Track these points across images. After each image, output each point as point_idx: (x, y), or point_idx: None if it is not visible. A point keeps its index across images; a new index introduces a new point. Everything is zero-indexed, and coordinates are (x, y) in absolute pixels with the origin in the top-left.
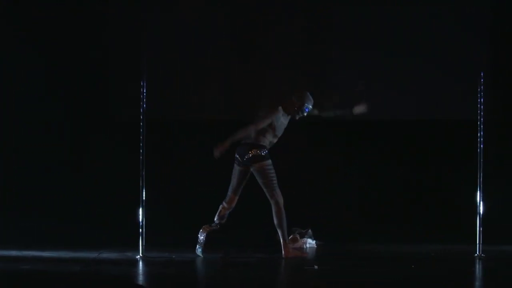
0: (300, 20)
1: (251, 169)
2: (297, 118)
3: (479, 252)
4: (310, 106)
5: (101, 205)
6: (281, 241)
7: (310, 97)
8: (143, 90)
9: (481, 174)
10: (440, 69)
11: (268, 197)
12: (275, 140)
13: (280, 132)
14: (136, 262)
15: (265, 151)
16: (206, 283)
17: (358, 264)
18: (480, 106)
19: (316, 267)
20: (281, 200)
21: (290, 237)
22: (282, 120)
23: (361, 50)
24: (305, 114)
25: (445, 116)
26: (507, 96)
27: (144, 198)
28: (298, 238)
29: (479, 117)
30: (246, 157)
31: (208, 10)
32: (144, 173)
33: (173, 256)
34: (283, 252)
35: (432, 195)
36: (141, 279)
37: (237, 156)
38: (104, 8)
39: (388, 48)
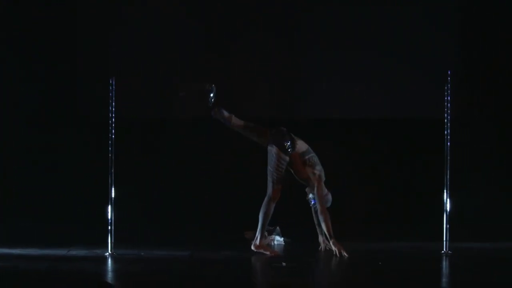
0: (271, 22)
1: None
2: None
3: (446, 249)
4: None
5: (70, 203)
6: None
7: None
8: (112, 88)
9: (448, 172)
10: (409, 67)
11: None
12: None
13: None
14: (104, 259)
15: (290, 146)
16: (174, 280)
17: (325, 261)
18: (447, 104)
19: (284, 264)
20: (272, 195)
21: None
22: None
23: (331, 49)
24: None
25: (413, 114)
26: (474, 94)
27: (113, 195)
28: (266, 235)
29: (446, 116)
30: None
31: (178, 9)
32: (113, 171)
33: (142, 253)
34: (253, 243)
35: (400, 193)
36: (109, 276)
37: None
38: (73, 5)
39: (356, 47)
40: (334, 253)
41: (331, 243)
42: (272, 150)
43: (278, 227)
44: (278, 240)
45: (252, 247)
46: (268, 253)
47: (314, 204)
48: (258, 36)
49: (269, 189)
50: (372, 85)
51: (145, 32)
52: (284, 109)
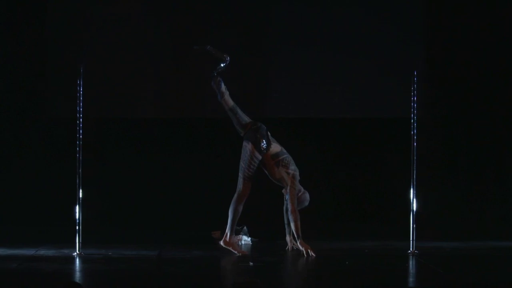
0: (236, 23)
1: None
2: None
3: (412, 249)
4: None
5: (37, 203)
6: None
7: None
8: (80, 88)
9: (415, 171)
10: (374, 67)
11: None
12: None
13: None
14: (72, 259)
15: (265, 145)
16: (142, 279)
17: (292, 260)
18: (413, 104)
19: (251, 263)
20: (242, 191)
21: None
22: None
23: (299, 49)
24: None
25: (379, 114)
26: (440, 93)
27: (80, 195)
28: (234, 234)
29: (412, 115)
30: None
31: (147, 8)
32: (80, 170)
33: (110, 253)
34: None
35: (367, 192)
36: (77, 276)
37: None
38: (43, 3)
39: (322, 46)
40: (302, 253)
41: (298, 243)
42: (247, 146)
43: (245, 227)
44: (246, 240)
45: (221, 243)
46: (236, 252)
47: None
48: (226, 35)
49: (239, 185)
50: (339, 85)
51: (114, 31)
52: (252, 108)
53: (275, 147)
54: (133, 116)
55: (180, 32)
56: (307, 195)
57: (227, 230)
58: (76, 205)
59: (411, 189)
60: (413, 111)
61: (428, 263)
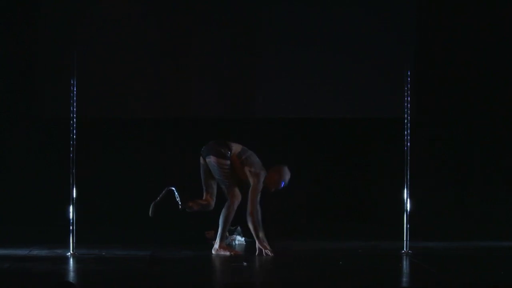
0: (226, 23)
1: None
2: (272, 190)
3: (406, 249)
4: (287, 181)
5: (31, 203)
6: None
7: (288, 172)
8: (73, 88)
9: (408, 172)
10: (368, 67)
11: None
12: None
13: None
14: (66, 259)
15: (228, 153)
16: (135, 279)
17: (287, 261)
18: (407, 104)
19: (245, 264)
20: (230, 200)
21: None
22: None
23: (289, 49)
24: (281, 187)
25: (372, 114)
26: (434, 94)
27: (74, 195)
28: (227, 234)
29: (405, 116)
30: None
31: (136, 9)
32: (74, 170)
33: (103, 253)
34: (213, 248)
35: (361, 192)
36: (71, 275)
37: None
38: (35, 3)
39: (314, 46)
40: (257, 252)
41: (257, 242)
42: (211, 160)
43: (239, 227)
44: (239, 240)
45: (212, 251)
46: (228, 253)
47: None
48: (221, 34)
49: (227, 196)
50: (332, 84)
51: (106, 31)
52: (238, 108)
53: (236, 147)
54: (127, 116)
55: (174, 32)
56: (286, 178)
57: (217, 238)
58: (69, 205)
59: (405, 189)
60: (407, 111)
61: (421, 263)
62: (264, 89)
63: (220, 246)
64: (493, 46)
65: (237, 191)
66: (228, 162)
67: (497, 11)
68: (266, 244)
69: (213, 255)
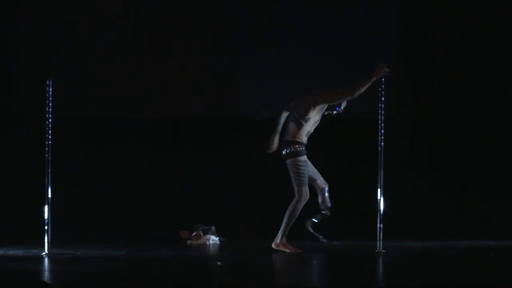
0: (206, 24)
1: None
2: (325, 113)
3: (379, 248)
4: (342, 108)
5: (6, 203)
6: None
7: (345, 102)
8: (49, 88)
9: (382, 172)
10: (350, 67)
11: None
12: (309, 134)
13: (313, 127)
14: (41, 259)
15: (300, 147)
16: (110, 279)
17: (260, 260)
18: (381, 105)
19: (219, 263)
20: (301, 198)
21: (193, 234)
22: (317, 115)
23: (265, 49)
24: (333, 113)
25: (348, 114)
26: (408, 95)
27: (49, 195)
28: (202, 234)
29: (380, 116)
30: (283, 153)
31: (115, 10)
32: (50, 170)
33: (79, 253)
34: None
35: (336, 191)
36: (46, 275)
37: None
38: (13, 5)
39: (291, 46)
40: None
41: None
42: (288, 162)
43: (213, 227)
44: (214, 239)
45: (273, 245)
46: (287, 250)
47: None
48: (193, 36)
49: (297, 194)
50: (308, 84)
51: (83, 32)
52: (219, 109)
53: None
54: (103, 116)
55: (156, 32)
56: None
57: (280, 233)
58: (45, 205)
59: (378, 189)
60: (381, 111)
61: (394, 262)
62: (246, 89)
63: (281, 242)
64: (473, 45)
65: (306, 190)
66: (304, 159)
67: (479, 10)
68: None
69: (188, 255)
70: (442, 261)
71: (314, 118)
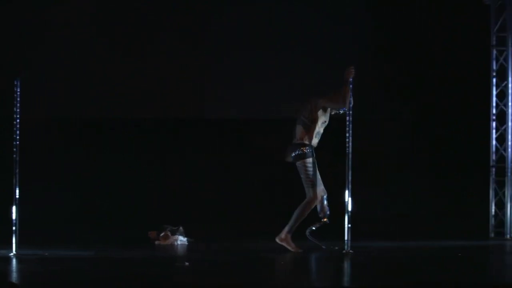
0: (180, 24)
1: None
2: (332, 113)
3: (347, 248)
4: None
5: None
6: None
7: (351, 102)
8: (17, 89)
9: (350, 172)
10: (323, 68)
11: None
12: (320, 136)
13: (327, 118)
14: (9, 259)
15: (308, 149)
16: (76, 279)
17: (228, 261)
18: (350, 105)
19: (187, 263)
20: (313, 199)
21: (161, 234)
22: (328, 115)
23: (240, 50)
24: (340, 112)
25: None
26: (374, 95)
27: (17, 196)
28: (170, 235)
29: (348, 117)
30: (292, 156)
31: (86, 10)
32: (18, 171)
33: (46, 254)
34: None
35: (302, 192)
36: (14, 276)
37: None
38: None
39: (264, 48)
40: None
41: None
42: (298, 164)
43: (181, 227)
44: (182, 240)
45: (276, 239)
46: (290, 248)
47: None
48: (167, 37)
49: (308, 194)
50: (281, 85)
51: (53, 33)
52: (192, 109)
53: (302, 130)
54: (71, 116)
55: (127, 33)
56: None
57: (286, 228)
58: (12, 205)
59: (346, 190)
60: (349, 112)
61: (362, 262)
62: (216, 90)
63: (285, 237)
64: (440, 48)
65: (318, 190)
66: (311, 159)
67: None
68: None
69: (157, 256)
70: (409, 261)
71: (320, 119)
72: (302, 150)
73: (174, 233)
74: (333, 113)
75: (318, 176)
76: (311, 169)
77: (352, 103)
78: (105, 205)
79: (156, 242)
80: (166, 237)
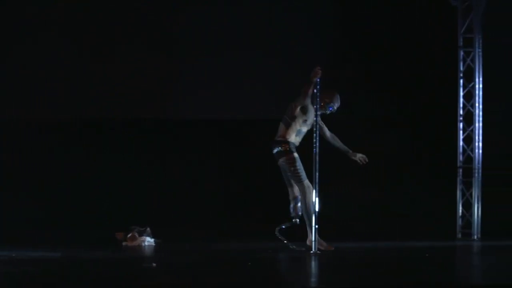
0: (146, 26)
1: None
2: (319, 113)
3: (315, 249)
4: (335, 108)
5: None
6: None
7: (339, 100)
8: None
9: (317, 173)
10: (281, 69)
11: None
12: (302, 134)
13: (310, 120)
14: None
15: (288, 146)
16: (45, 280)
17: (196, 262)
18: (316, 106)
19: (154, 264)
20: (306, 193)
21: (129, 235)
22: (311, 112)
23: (206, 52)
24: (327, 112)
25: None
26: (346, 96)
27: None
28: (137, 236)
29: (315, 118)
30: (274, 152)
31: (52, 13)
32: None
33: (13, 254)
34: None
35: (271, 192)
36: None
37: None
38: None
39: (231, 49)
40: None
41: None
42: (282, 161)
43: (148, 228)
44: (149, 241)
45: (308, 243)
46: (321, 247)
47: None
48: (132, 38)
49: (301, 188)
50: (249, 86)
51: (15, 33)
52: (159, 110)
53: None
54: (31, 117)
55: (95, 34)
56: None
57: (309, 232)
58: None
59: (314, 190)
60: (316, 113)
61: (329, 262)
62: (181, 91)
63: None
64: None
65: (308, 183)
66: (294, 154)
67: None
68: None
69: (123, 257)
70: (375, 262)
71: (300, 117)
72: (284, 147)
73: (141, 234)
74: (320, 113)
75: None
76: (295, 164)
77: (338, 105)
78: (71, 205)
79: (123, 243)
80: (133, 238)
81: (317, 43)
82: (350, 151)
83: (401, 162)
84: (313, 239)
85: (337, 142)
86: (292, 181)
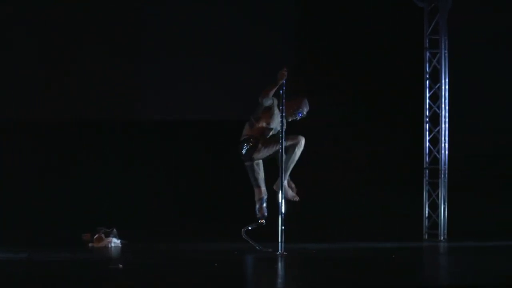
0: (113, 27)
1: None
2: (289, 120)
3: (281, 250)
4: (304, 113)
5: None
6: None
7: (307, 105)
8: None
9: (283, 175)
10: (248, 69)
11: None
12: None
13: (274, 125)
14: None
15: (255, 139)
16: (11, 282)
17: (162, 263)
18: (282, 107)
19: (120, 266)
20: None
21: (95, 236)
22: (277, 116)
23: (173, 53)
24: (297, 118)
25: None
26: (314, 99)
27: None
28: (103, 237)
29: (281, 120)
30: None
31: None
32: None
33: None
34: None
35: (236, 194)
36: None
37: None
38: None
39: (197, 50)
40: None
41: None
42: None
43: (115, 229)
44: (115, 242)
45: (274, 187)
46: (290, 194)
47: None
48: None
49: (298, 140)
50: (214, 87)
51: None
52: (125, 111)
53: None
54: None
55: (60, 36)
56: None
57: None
58: None
59: (280, 192)
60: (282, 114)
61: (296, 264)
62: (148, 91)
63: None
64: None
65: (292, 137)
66: (259, 145)
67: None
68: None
69: (91, 258)
70: (343, 263)
71: (265, 119)
72: (252, 142)
73: (108, 235)
74: (290, 119)
75: (262, 176)
76: (266, 141)
77: (307, 109)
78: (38, 205)
79: (90, 244)
80: (99, 239)
81: (282, 45)
82: (289, 179)
83: (368, 163)
84: (280, 240)
85: (289, 160)
86: (289, 143)
